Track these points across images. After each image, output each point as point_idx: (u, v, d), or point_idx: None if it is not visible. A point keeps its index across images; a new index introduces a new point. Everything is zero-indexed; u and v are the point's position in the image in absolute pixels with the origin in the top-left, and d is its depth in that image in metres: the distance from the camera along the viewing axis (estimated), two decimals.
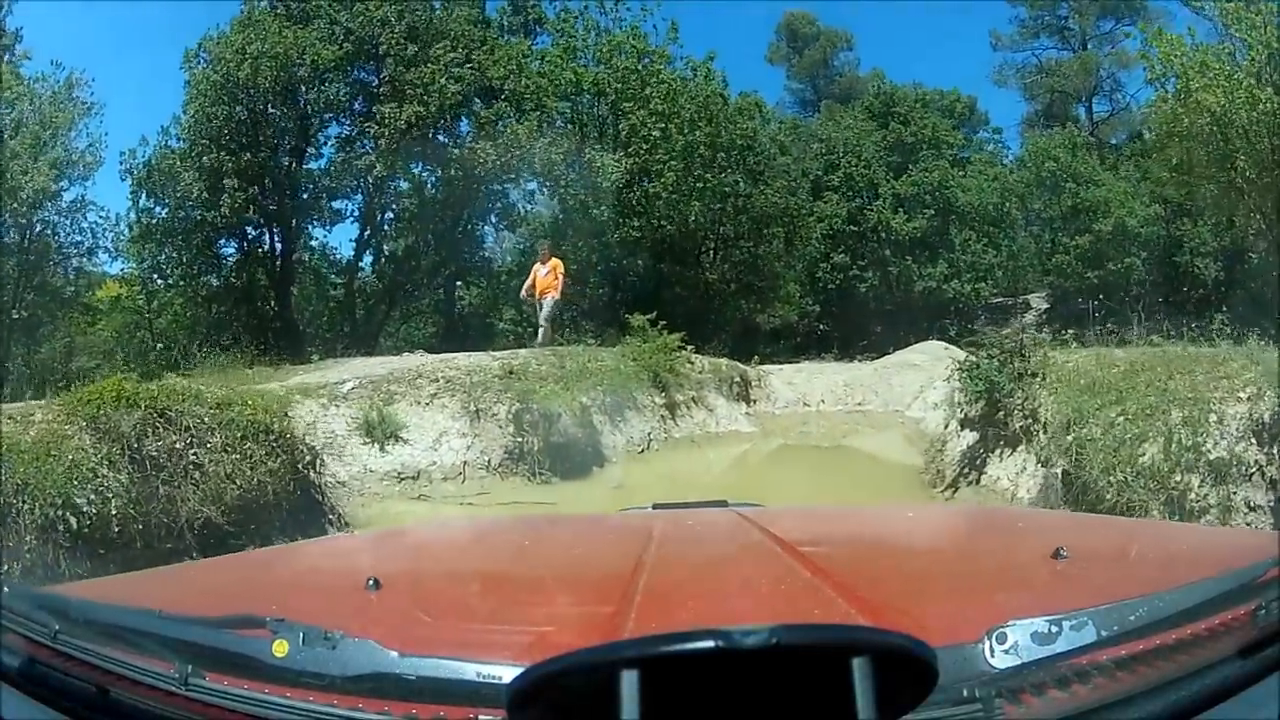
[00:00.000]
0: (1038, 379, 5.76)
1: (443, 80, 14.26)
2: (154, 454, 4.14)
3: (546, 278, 10.27)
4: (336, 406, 6.59)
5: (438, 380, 7.30)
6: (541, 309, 10.38)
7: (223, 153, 13.39)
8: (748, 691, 0.51)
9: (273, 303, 15.33)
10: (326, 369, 8.21)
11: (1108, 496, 4.30)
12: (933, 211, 20.20)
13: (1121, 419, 4.58)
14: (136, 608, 0.79)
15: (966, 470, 6.26)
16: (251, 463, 4.59)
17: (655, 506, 1.69)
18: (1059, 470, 4.91)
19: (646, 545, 1.18)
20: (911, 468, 7.68)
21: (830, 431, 10.94)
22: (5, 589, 0.79)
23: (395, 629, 0.76)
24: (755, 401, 11.72)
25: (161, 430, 4.25)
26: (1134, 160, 19.41)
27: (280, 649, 0.66)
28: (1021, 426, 5.68)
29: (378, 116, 14.25)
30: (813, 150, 21.63)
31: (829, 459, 9.39)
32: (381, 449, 6.37)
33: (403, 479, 6.30)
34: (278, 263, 15.35)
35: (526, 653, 0.66)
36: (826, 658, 0.51)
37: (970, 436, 6.41)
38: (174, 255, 14.18)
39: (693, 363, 10.47)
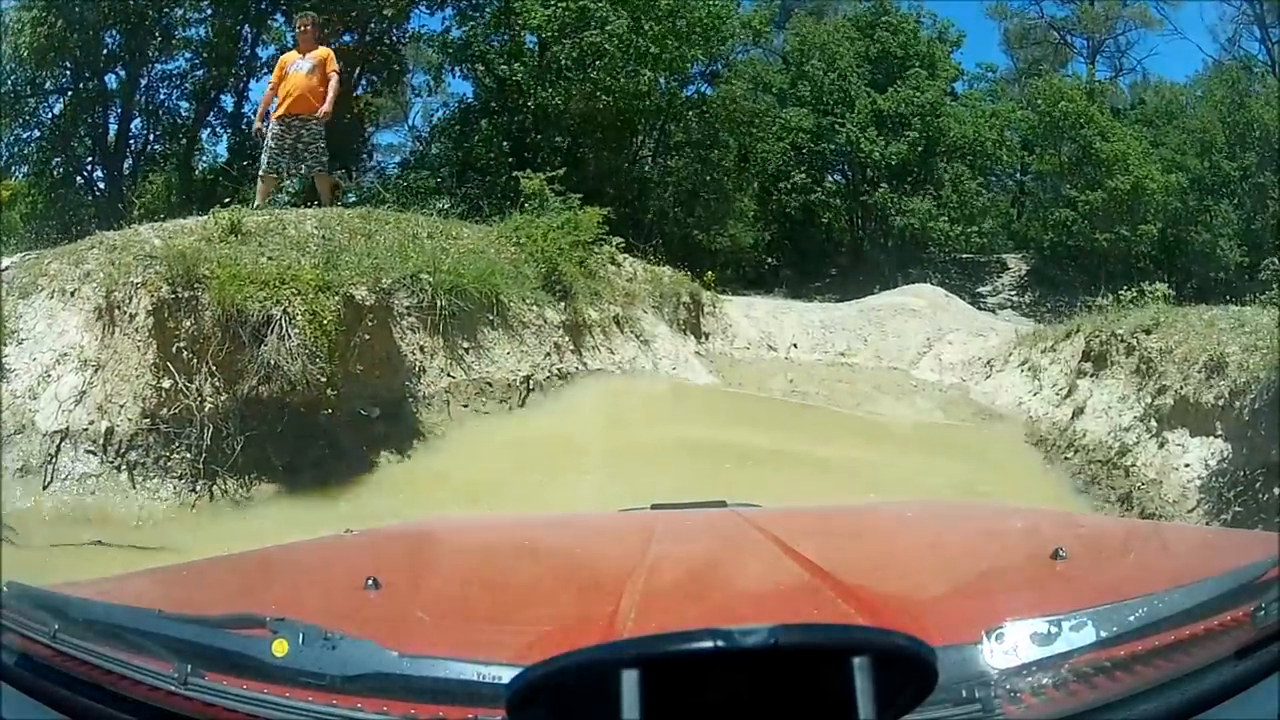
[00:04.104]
0: None
1: None
2: None
3: (306, 79, 5.68)
4: None
5: (114, 249, 4.23)
6: (296, 147, 5.70)
7: None
8: (748, 692, 0.51)
9: (102, 178, 11.95)
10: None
11: None
12: (920, 137, 16.98)
13: None
14: (136, 607, 0.79)
15: None
16: None
17: (654, 507, 1.69)
18: None
19: (646, 545, 1.18)
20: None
21: (829, 395, 7.42)
22: (5, 588, 0.79)
23: (395, 629, 0.77)
24: (708, 337, 8.24)
25: None
26: (1138, 126, 17.81)
27: (280, 649, 0.66)
28: None
29: None
30: (776, 64, 18.43)
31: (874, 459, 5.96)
32: None
33: None
34: (111, 130, 11.93)
35: (526, 653, 0.66)
36: (826, 658, 0.51)
37: (1210, 447, 3.50)
38: (11, 130, 11.31)
39: (619, 264, 7.12)
